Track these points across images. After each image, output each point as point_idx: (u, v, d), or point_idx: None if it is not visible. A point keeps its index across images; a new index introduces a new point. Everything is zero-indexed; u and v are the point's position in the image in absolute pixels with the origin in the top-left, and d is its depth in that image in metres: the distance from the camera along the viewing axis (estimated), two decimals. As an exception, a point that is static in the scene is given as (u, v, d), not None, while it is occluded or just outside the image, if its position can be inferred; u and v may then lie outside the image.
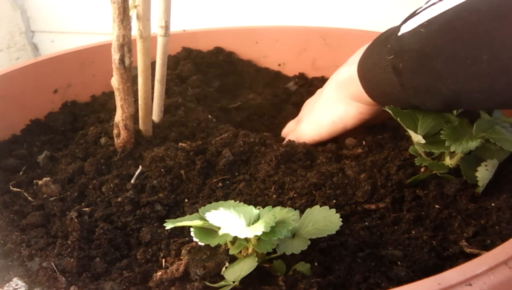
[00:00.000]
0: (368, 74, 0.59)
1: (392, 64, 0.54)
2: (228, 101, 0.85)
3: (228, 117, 0.82)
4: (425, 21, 0.51)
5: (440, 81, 0.50)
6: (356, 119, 0.64)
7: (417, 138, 0.56)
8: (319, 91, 0.74)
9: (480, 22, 0.46)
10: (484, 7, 0.46)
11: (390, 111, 0.57)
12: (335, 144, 0.67)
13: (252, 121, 0.83)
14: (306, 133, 0.68)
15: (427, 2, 0.53)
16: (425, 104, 0.54)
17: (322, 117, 0.66)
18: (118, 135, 0.66)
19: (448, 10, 0.49)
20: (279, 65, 0.96)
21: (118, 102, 0.63)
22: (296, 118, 0.76)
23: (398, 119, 0.56)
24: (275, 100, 0.88)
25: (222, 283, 0.45)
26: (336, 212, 0.48)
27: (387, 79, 0.55)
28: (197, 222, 0.46)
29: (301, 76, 0.93)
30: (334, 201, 0.56)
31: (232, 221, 0.44)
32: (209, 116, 0.76)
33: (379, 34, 0.59)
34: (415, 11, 0.54)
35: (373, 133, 0.67)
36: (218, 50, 0.93)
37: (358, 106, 0.64)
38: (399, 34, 0.53)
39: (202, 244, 0.45)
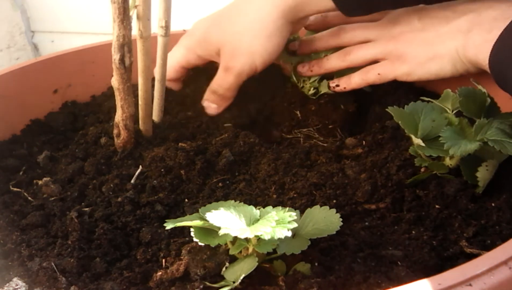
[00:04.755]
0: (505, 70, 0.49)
1: None
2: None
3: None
4: None
5: None
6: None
7: (417, 141, 0.56)
8: None
9: None
10: None
11: (392, 113, 0.57)
12: (335, 144, 0.67)
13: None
14: (419, 69, 0.55)
15: None
16: None
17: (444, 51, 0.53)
18: (118, 135, 0.66)
19: None
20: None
21: (118, 102, 0.63)
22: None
23: (400, 122, 0.56)
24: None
25: (222, 283, 0.45)
26: (336, 212, 0.48)
27: None
28: (197, 222, 0.46)
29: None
30: (334, 201, 0.56)
31: (232, 221, 0.44)
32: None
33: None
34: None
35: (373, 133, 0.67)
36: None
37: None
38: None
39: (202, 244, 0.46)
